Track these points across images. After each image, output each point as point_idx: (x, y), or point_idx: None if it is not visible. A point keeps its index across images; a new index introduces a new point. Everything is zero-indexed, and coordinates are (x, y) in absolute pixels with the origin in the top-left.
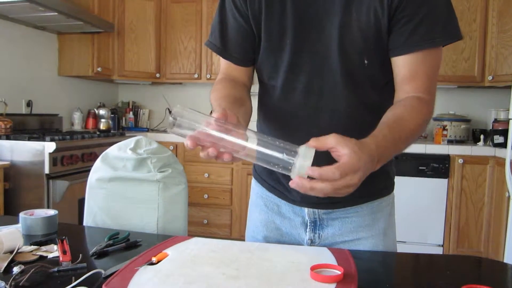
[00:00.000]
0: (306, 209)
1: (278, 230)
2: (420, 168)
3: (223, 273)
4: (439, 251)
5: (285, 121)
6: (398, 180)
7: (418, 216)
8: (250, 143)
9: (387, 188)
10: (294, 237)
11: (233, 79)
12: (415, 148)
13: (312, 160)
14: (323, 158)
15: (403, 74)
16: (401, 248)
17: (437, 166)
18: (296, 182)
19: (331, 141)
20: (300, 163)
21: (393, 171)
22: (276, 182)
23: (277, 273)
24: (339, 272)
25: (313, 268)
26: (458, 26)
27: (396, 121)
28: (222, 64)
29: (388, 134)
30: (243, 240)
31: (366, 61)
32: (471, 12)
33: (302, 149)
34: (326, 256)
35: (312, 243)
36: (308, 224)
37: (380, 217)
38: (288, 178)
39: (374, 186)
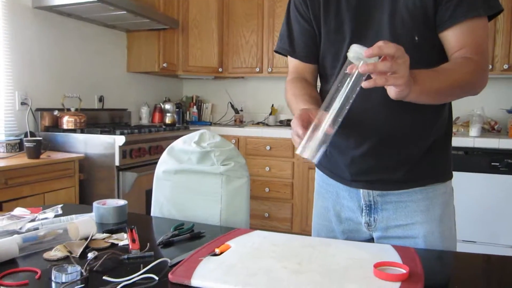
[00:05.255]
0: (361, 191)
1: (338, 217)
2: (493, 164)
3: (285, 267)
4: None
5: None
6: (469, 177)
7: (489, 215)
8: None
9: (440, 176)
10: (352, 221)
11: (303, 78)
12: (487, 142)
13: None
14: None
15: (453, 46)
16: (471, 248)
17: (511, 162)
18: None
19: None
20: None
21: (447, 160)
22: (334, 165)
23: (339, 269)
24: (404, 271)
25: (376, 266)
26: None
27: (442, 69)
28: (291, 65)
29: (432, 72)
30: (304, 234)
31: (416, 38)
32: None
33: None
34: (390, 254)
35: (368, 226)
36: (364, 207)
37: (435, 204)
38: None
39: (425, 170)
